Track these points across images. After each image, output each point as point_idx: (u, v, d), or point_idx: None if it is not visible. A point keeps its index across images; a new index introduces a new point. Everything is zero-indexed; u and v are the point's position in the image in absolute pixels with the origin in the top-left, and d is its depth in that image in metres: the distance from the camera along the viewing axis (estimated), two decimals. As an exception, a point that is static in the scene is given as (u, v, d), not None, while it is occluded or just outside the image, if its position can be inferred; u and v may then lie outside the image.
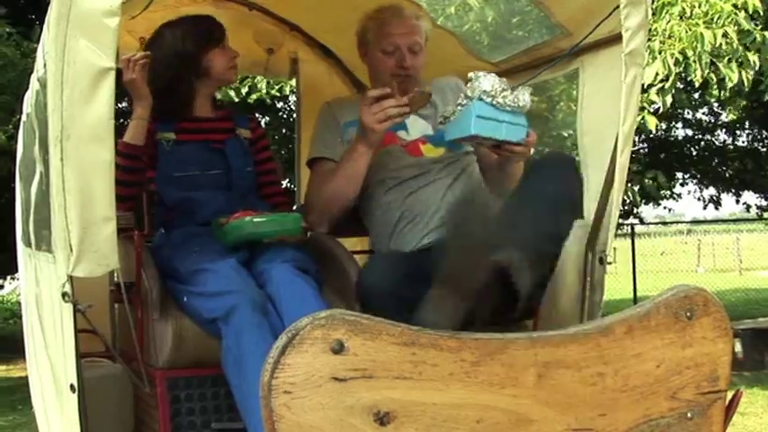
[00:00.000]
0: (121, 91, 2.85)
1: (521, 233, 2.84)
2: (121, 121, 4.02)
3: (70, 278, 2.56)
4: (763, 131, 13.99)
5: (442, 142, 3.53)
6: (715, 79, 6.96)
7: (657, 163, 12.97)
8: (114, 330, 3.67)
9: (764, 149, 14.21)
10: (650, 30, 6.48)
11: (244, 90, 8.77)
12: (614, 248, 3.37)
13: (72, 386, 2.62)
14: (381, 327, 2.15)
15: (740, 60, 6.85)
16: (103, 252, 2.55)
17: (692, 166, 14.09)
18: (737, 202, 15.54)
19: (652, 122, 7.22)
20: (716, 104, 12.47)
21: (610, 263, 3.27)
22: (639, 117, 6.46)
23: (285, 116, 11.88)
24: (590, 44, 3.40)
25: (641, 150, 12.59)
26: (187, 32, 3.56)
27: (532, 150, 3.38)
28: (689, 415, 2.47)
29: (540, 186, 3.05)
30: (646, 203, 13.86)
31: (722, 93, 7.37)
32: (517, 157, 3.34)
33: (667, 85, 6.78)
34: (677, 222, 31.58)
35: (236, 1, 4.31)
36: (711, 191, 15.26)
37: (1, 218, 7.48)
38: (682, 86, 7.80)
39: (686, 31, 6.71)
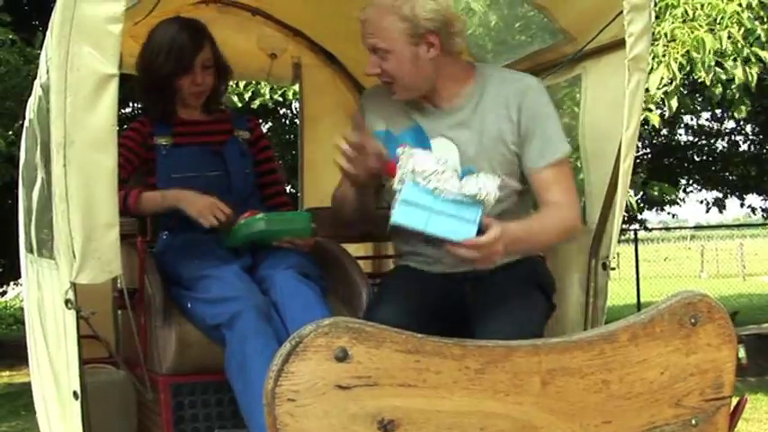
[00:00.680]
0: (124, 97, 2.85)
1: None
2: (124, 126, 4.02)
3: (73, 285, 2.55)
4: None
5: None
6: (723, 78, 6.95)
7: (661, 168, 12.96)
8: (117, 336, 3.67)
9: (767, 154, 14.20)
10: (653, 33, 6.48)
11: (247, 95, 8.78)
12: (617, 254, 3.36)
13: (75, 393, 2.62)
14: (385, 334, 2.14)
15: (747, 58, 6.85)
16: (106, 258, 2.55)
17: (695, 171, 14.08)
18: (742, 205, 15.53)
19: (655, 119, 7.20)
20: (719, 111, 12.46)
21: (613, 268, 3.27)
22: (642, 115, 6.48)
23: (288, 121, 11.88)
24: (593, 49, 3.39)
25: (645, 157, 12.57)
26: (166, 47, 3.47)
27: (494, 262, 2.81)
28: (693, 422, 2.46)
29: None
30: (649, 209, 13.84)
31: (728, 92, 7.35)
32: (462, 259, 2.76)
33: (670, 89, 6.78)
34: (681, 228, 31.56)
35: (239, 6, 4.31)
36: (715, 194, 15.25)
37: (4, 223, 7.47)
38: (686, 92, 7.79)
39: (689, 35, 6.70)
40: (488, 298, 2.98)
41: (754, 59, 6.85)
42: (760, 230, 27.05)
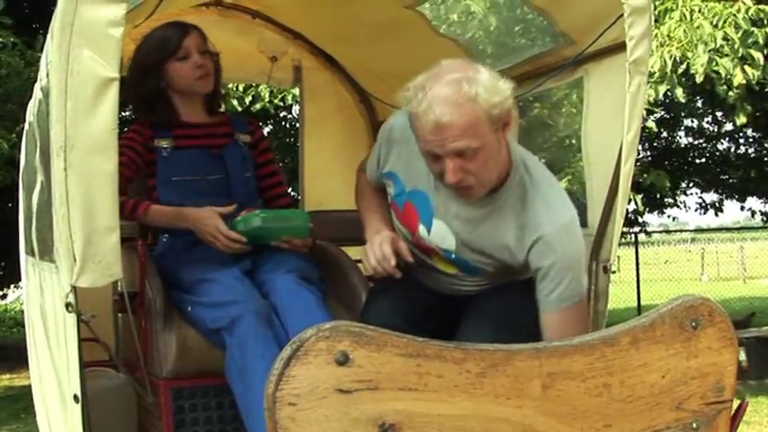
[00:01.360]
0: (124, 100, 2.85)
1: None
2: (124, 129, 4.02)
3: (74, 288, 2.55)
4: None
5: (458, 263, 2.96)
6: (721, 75, 6.97)
7: (661, 171, 12.96)
8: (118, 340, 3.67)
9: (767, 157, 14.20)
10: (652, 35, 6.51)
11: (247, 99, 8.79)
12: (618, 257, 3.35)
13: (75, 396, 2.61)
14: (386, 338, 2.14)
15: (743, 58, 6.87)
16: (107, 262, 2.54)
17: (695, 174, 14.08)
18: (742, 208, 15.53)
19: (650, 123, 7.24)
20: (719, 113, 12.47)
21: (614, 272, 3.27)
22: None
23: (288, 124, 11.88)
24: (594, 52, 3.39)
25: (645, 159, 12.57)
26: (148, 45, 3.53)
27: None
28: (694, 425, 2.46)
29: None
30: (650, 212, 13.84)
31: (730, 93, 7.38)
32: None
33: (666, 77, 6.82)
34: (681, 231, 31.53)
35: (239, 9, 4.31)
36: (714, 197, 15.26)
37: (4, 226, 7.48)
38: (684, 92, 7.80)
39: (685, 33, 6.75)
40: (473, 304, 2.98)
41: (749, 61, 6.89)
42: (760, 233, 27.05)
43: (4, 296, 15.02)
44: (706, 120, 13.58)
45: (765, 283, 22.67)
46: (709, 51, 6.74)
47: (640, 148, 11.21)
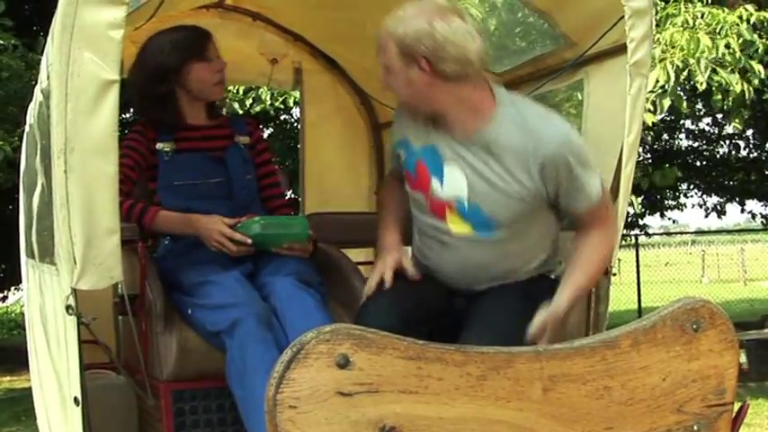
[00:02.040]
0: (125, 102, 2.85)
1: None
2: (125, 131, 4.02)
3: (74, 291, 2.55)
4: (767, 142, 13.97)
5: (472, 217, 2.99)
6: (717, 86, 6.97)
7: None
8: (118, 342, 3.66)
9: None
10: (654, 40, 6.50)
11: (248, 101, 8.79)
12: (618, 259, 3.35)
13: (76, 399, 2.61)
14: (387, 341, 2.14)
15: (743, 68, 6.87)
16: (108, 264, 2.55)
17: (695, 176, 14.08)
18: (742, 211, 15.52)
19: (649, 118, 7.22)
20: (719, 115, 12.46)
21: (614, 274, 3.26)
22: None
23: (289, 126, 11.89)
24: (594, 55, 3.39)
25: (645, 162, 12.58)
26: (168, 43, 3.51)
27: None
28: (695, 428, 2.46)
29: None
30: (651, 214, 13.83)
31: (725, 102, 7.38)
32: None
33: (669, 88, 6.80)
34: (681, 233, 31.51)
35: (240, 11, 4.31)
36: (715, 199, 15.25)
37: (5, 228, 7.47)
38: (685, 96, 7.81)
39: (687, 40, 6.74)
40: (475, 310, 2.97)
41: (750, 71, 6.88)
42: (761, 235, 27.02)
43: (5, 298, 15.01)
44: (706, 122, 13.58)
45: (766, 285, 22.66)
46: (710, 60, 6.73)
47: (641, 150, 11.21)
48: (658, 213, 14.54)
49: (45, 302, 3.13)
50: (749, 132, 13.26)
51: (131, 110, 10.58)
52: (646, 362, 2.39)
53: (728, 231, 29.17)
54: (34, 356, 3.62)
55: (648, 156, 12.90)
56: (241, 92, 8.75)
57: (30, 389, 4.04)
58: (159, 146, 3.50)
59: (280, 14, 4.35)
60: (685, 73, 6.80)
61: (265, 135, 11.39)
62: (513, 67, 3.92)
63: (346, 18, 4.00)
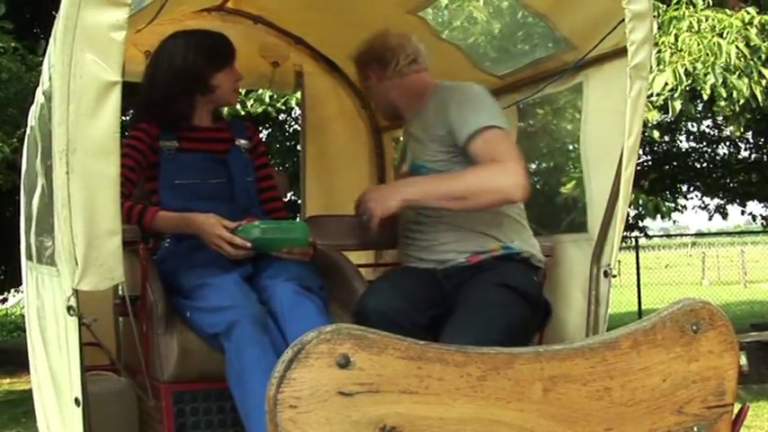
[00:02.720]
0: (126, 105, 2.85)
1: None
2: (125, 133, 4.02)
3: (75, 292, 2.55)
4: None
5: (416, 171, 3.48)
6: (724, 94, 6.95)
7: (662, 175, 12.96)
8: (119, 343, 3.67)
9: (768, 160, 14.18)
10: (659, 43, 6.51)
11: (249, 103, 8.80)
12: (618, 261, 3.36)
13: (77, 400, 2.62)
14: (387, 341, 2.14)
15: (751, 73, 6.86)
16: (109, 266, 2.55)
17: (696, 178, 14.07)
18: (743, 212, 15.52)
19: (652, 115, 7.21)
20: (720, 118, 12.46)
21: (614, 276, 3.27)
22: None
23: (289, 127, 11.89)
24: (594, 58, 3.40)
25: (646, 164, 12.58)
26: (197, 48, 3.52)
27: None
28: (695, 429, 2.46)
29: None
30: (652, 218, 13.82)
31: (731, 107, 7.37)
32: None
33: (677, 93, 6.80)
34: (682, 235, 31.53)
35: (241, 14, 4.32)
36: (716, 201, 15.24)
37: (5, 231, 7.48)
38: (689, 98, 7.81)
39: (697, 44, 6.72)
40: (459, 300, 3.23)
41: (757, 77, 6.87)
42: (761, 237, 27.03)
43: (5, 300, 15.02)
44: (706, 124, 13.58)
45: (766, 287, 22.66)
46: (722, 67, 6.72)
47: (641, 152, 11.21)
48: (658, 215, 14.52)
49: (44, 304, 3.14)
50: (749, 134, 13.26)
51: (131, 111, 10.60)
52: (646, 363, 2.39)
53: (729, 233, 29.14)
54: (33, 358, 3.62)
55: (649, 158, 12.89)
56: (242, 93, 8.76)
57: (29, 391, 4.04)
58: (163, 144, 3.51)
59: (281, 17, 4.36)
60: (690, 77, 6.79)
61: (265, 135, 11.40)
62: (513, 70, 3.93)
63: (348, 21, 4.01)
